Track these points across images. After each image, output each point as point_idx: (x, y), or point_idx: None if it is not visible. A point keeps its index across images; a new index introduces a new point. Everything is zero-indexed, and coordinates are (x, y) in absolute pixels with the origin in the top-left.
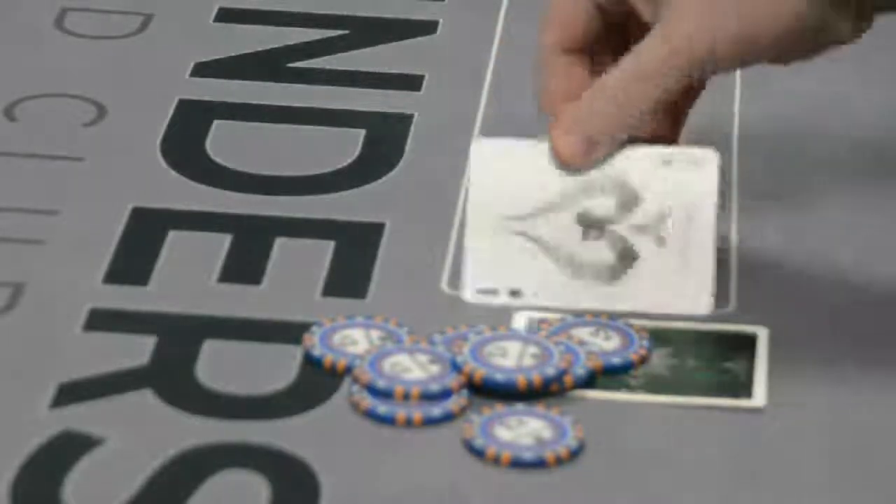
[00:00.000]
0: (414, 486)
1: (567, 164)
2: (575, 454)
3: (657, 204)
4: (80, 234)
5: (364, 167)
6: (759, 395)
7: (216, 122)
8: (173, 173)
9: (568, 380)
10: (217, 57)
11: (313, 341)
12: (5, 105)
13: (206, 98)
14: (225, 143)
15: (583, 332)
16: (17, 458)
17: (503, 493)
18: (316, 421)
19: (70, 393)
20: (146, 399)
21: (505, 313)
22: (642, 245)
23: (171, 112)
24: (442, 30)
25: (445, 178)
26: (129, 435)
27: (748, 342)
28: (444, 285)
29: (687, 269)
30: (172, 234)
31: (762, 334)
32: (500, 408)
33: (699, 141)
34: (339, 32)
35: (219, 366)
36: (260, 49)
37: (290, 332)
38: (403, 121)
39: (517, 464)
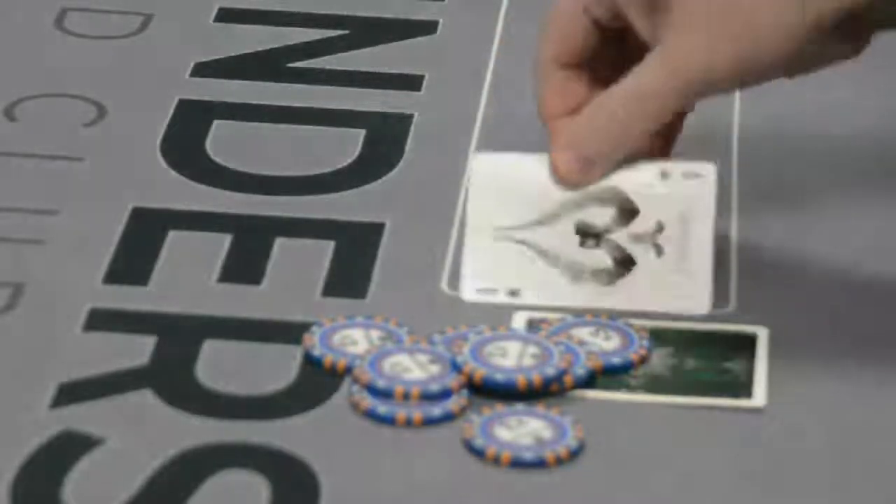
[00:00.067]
0: (414, 486)
1: (565, 182)
2: (575, 454)
3: (655, 215)
4: (80, 234)
5: (364, 167)
6: (759, 395)
7: (216, 122)
8: (173, 173)
9: (568, 380)
10: (217, 57)
11: (313, 341)
12: (5, 105)
13: (206, 98)
14: (225, 143)
15: (583, 332)
16: (17, 458)
17: (503, 493)
18: (316, 421)
19: (70, 393)
20: (146, 399)
21: (505, 313)
22: (640, 253)
23: (171, 112)
24: (442, 30)
25: (445, 178)
26: (129, 435)
27: (748, 342)
28: (444, 285)
29: (685, 272)
30: (172, 234)
31: (762, 334)
32: (500, 408)
33: (700, 142)
34: (339, 32)
35: (219, 366)
36: (260, 49)
37: (290, 332)
38: (403, 121)
39: (517, 464)
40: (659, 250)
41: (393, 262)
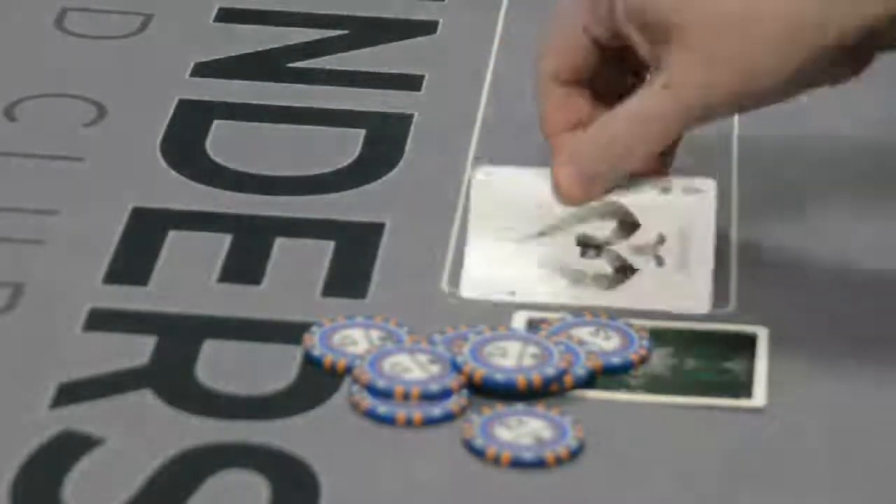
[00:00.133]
0: (414, 486)
1: (566, 198)
2: (575, 454)
3: (656, 228)
4: (80, 234)
5: (364, 167)
6: (759, 395)
7: (216, 122)
8: (173, 173)
9: (568, 380)
10: (217, 57)
11: (313, 341)
12: (5, 105)
13: (206, 98)
14: (225, 143)
15: (583, 332)
16: (17, 458)
17: (503, 493)
18: (316, 421)
19: (70, 393)
20: (146, 399)
21: (505, 313)
22: (640, 263)
23: (171, 112)
24: (442, 30)
25: (445, 178)
26: (129, 435)
27: (748, 342)
28: (444, 285)
29: (686, 275)
30: (172, 234)
31: (762, 334)
32: (500, 408)
33: (700, 142)
34: (339, 32)
35: (219, 366)
36: (260, 49)
37: (290, 332)
38: (403, 121)
39: (517, 464)
40: (659, 261)
41: (393, 262)
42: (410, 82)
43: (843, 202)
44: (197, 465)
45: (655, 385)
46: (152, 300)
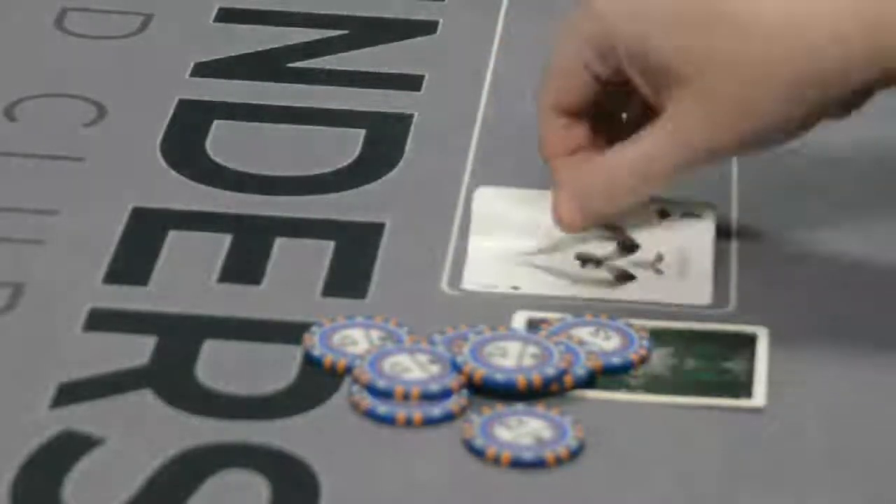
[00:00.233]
0: (414, 486)
1: (565, 227)
2: (575, 454)
3: (654, 249)
4: (80, 234)
5: (364, 167)
6: (759, 395)
7: (216, 122)
8: (173, 173)
9: (568, 380)
10: (217, 57)
11: (313, 341)
12: (5, 105)
13: (206, 98)
14: (225, 143)
15: (583, 332)
16: (17, 458)
17: (503, 493)
18: (316, 421)
19: (70, 393)
20: (146, 399)
21: (505, 313)
22: (640, 273)
23: (171, 112)
24: (442, 30)
25: (445, 178)
26: (129, 435)
27: (748, 342)
28: (444, 285)
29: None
30: (172, 234)
31: (762, 334)
32: (500, 408)
33: None
34: (339, 32)
35: (219, 366)
36: (260, 49)
37: (290, 332)
38: (403, 121)
39: (517, 464)
40: (659, 273)
41: (393, 262)
42: (410, 82)
43: (843, 202)
44: (197, 465)
45: (655, 385)
46: (152, 300)
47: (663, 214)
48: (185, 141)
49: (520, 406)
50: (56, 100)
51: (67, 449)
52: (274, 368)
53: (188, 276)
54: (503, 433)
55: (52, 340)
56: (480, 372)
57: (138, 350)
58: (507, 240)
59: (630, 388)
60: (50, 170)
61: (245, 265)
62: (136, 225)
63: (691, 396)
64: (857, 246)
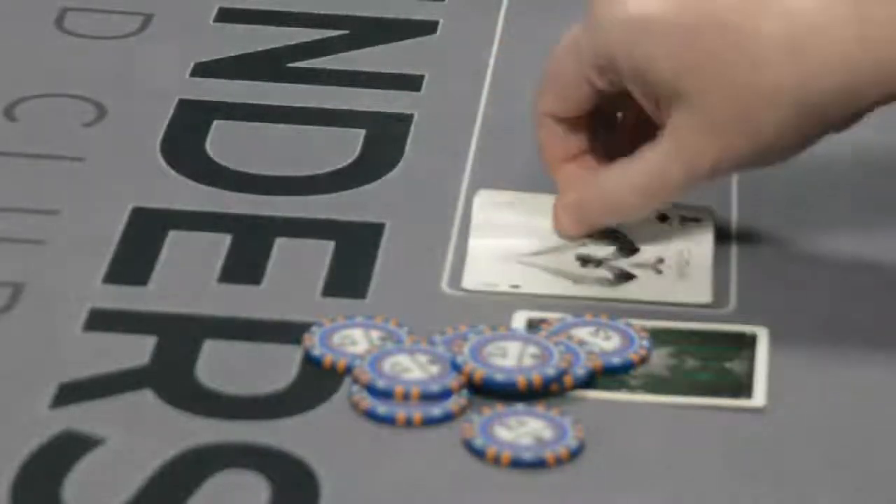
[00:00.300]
0: (414, 486)
1: (564, 234)
2: (575, 454)
3: (655, 252)
4: (80, 234)
5: (364, 167)
6: (759, 395)
7: (216, 122)
8: (173, 173)
9: (568, 380)
10: (217, 57)
11: (313, 341)
12: (5, 105)
13: (206, 98)
14: (225, 143)
15: (583, 332)
16: (17, 458)
17: (503, 493)
18: (316, 421)
19: (70, 393)
20: (146, 399)
21: (505, 313)
22: (640, 273)
23: (171, 112)
24: (442, 30)
25: (445, 178)
26: (129, 435)
27: (748, 342)
28: (444, 285)
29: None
30: (172, 234)
31: (762, 334)
32: (500, 408)
33: None
34: (339, 32)
35: (219, 366)
36: (260, 49)
37: (290, 332)
38: (403, 121)
39: (517, 464)
40: (658, 272)
41: (393, 262)
42: (410, 82)
43: (843, 202)
44: (197, 465)
45: (655, 385)
46: (152, 300)
47: (662, 218)
48: (185, 141)
49: (520, 406)
50: (56, 100)
51: (67, 449)
52: (274, 368)
53: (188, 276)
54: (503, 433)
55: (52, 340)
56: (480, 372)
57: (138, 350)
58: (508, 241)
59: (630, 388)
60: (50, 170)
61: (245, 265)
62: (136, 225)
63: (691, 396)
64: (856, 246)
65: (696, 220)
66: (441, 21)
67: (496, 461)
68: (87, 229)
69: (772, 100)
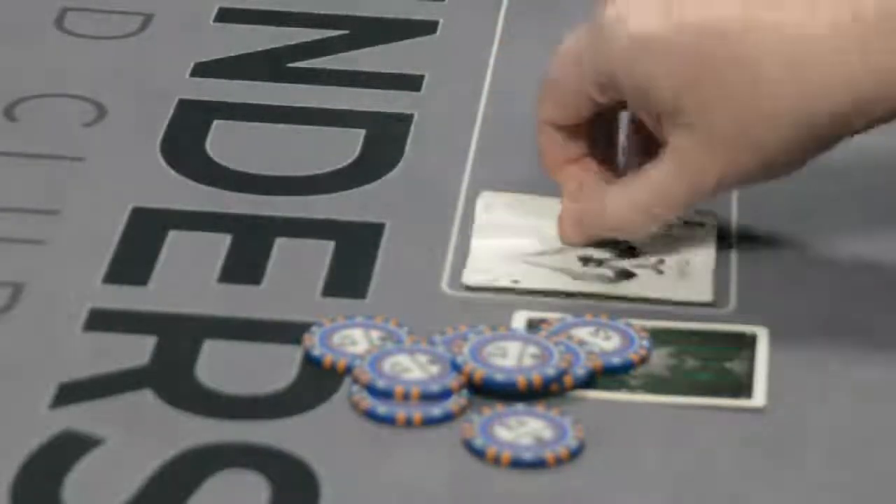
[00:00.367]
0: (414, 486)
1: (567, 242)
2: (575, 454)
3: (656, 254)
4: (80, 234)
5: (364, 167)
6: (759, 395)
7: (216, 122)
8: (173, 173)
9: (568, 380)
10: (217, 57)
11: (313, 341)
12: (5, 105)
13: (206, 98)
14: (225, 143)
15: (583, 332)
16: (17, 458)
17: (503, 493)
18: (316, 421)
19: (70, 393)
20: (146, 399)
21: (505, 313)
22: (640, 272)
23: (171, 112)
24: (442, 30)
25: (445, 178)
26: (129, 435)
27: (748, 342)
28: (444, 285)
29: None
30: (172, 234)
31: (762, 334)
32: (500, 408)
33: None
34: (339, 32)
35: (219, 366)
36: (260, 49)
37: (290, 332)
38: (403, 121)
39: (517, 464)
40: (659, 272)
41: (393, 262)
42: (410, 82)
43: (843, 202)
44: (197, 465)
45: (655, 385)
46: (152, 300)
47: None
48: (185, 141)
49: (520, 406)
50: (56, 100)
51: (67, 449)
52: (274, 368)
53: (188, 276)
54: (503, 433)
55: (52, 340)
56: (480, 372)
57: (138, 350)
58: (510, 240)
59: (630, 388)
60: (50, 170)
61: (245, 265)
62: (136, 225)
63: (691, 396)
64: (856, 246)
65: (700, 225)
66: (441, 21)
67: (496, 461)
68: (87, 229)
69: (773, 119)
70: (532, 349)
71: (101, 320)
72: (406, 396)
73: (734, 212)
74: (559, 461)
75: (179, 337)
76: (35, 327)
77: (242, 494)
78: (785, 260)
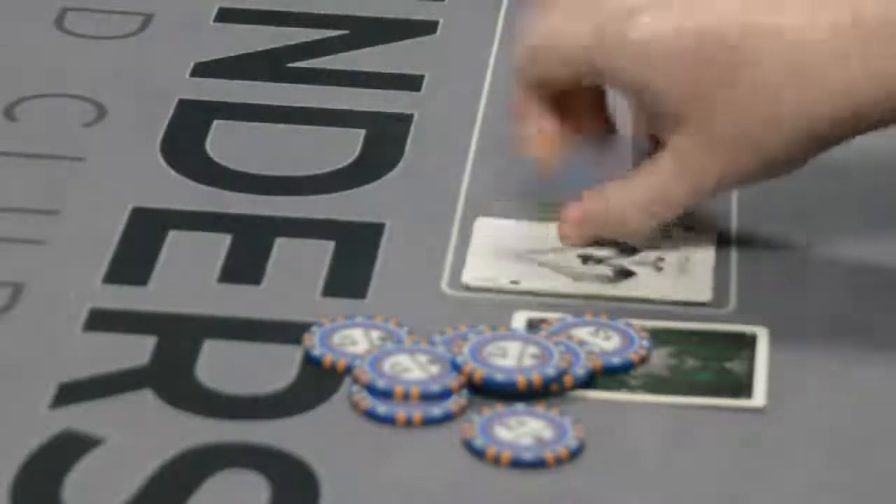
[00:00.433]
0: (414, 486)
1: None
2: (575, 454)
3: (656, 252)
4: (80, 234)
5: (364, 167)
6: (759, 395)
7: (216, 122)
8: (173, 173)
9: (568, 380)
10: (217, 57)
11: (313, 341)
12: (5, 105)
13: (206, 98)
14: (225, 143)
15: (583, 332)
16: (17, 458)
17: (503, 493)
18: (316, 421)
19: (70, 393)
20: (146, 399)
21: (505, 313)
22: (640, 270)
23: (171, 112)
24: (442, 30)
25: (445, 178)
26: (129, 435)
27: (748, 342)
28: (444, 285)
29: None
30: (172, 234)
31: (762, 334)
32: (500, 408)
33: None
34: (339, 32)
35: (219, 366)
36: (260, 49)
37: (290, 332)
38: (403, 121)
39: (517, 464)
40: (659, 269)
41: (393, 262)
42: (410, 82)
43: (844, 202)
44: (197, 465)
45: (655, 385)
46: (152, 300)
47: (664, 231)
48: (185, 141)
49: (520, 406)
50: (56, 100)
51: (67, 449)
52: (274, 368)
53: (188, 276)
54: (503, 433)
55: (52, 340)
56: (480, 372)
57: (138, 350)
58: (510, 240)
59: (630, 388)
60: (50, 170)
61: (245, 265)
62: (136, 225)
63: (691, 396)
64: (857, 246)
65: (698, 231)
66: (441, 21)
67: (496, 461)
68: (87, 229)
69: (773, 123)
70: (532, 349)
71: (101, 320)
72: (406, 396)
73: (734, 212)
74: (559, 461)
75: (179, 337)
76: (35, 327)
77: (242, 494)
78: (785, 260)
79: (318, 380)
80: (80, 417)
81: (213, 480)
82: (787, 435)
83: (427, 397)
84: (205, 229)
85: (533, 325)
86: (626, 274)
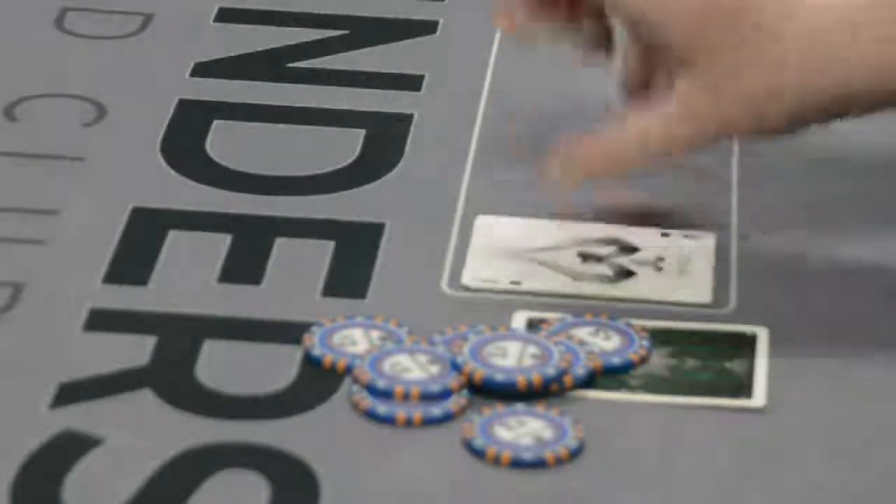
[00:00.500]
0: (414, 486)
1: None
2: (575, 454)
3: (656, 252)
4: (80, 234)
5: (364, 167)
6: (759, 395)
7: (216, 122)
8: (173, 173)
9: (568, 380)
10: (217, 57)
11: (313, 341)
12: (5, 105)
13: (206, 98)
14: (225, 143)
15: (583, 332)
16: (17, 458)
17: (503, 493)
18: (316, 421)
19: (70, 393)
20: (146, 399)
21: (505, 313)
22: (640, 270)
23: (171, 112)
24: (442, 30)
25: (445, 178)
26: (129, 435)
27: (748, 342)
28: (444, 285)
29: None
30: (172, 234)
31: (762, 334)
32: (500, 408)
33: None
34: (339, 32)
35: (219, 366)
36: (260, 49)
37: (290, 332)
38: (403, 121)
39: (517, 464)
40: (658, 269)
41: (393, 262)
42: (410, 82)
43: (844, 202)
44: (197, 465)
45: (655, 385)
46: (152, 300)
47: (664, 235)
48: (185, 141)
49: (520, 406)
50: (56, 100)
51: (67, 449)
52: (274, 368)
53: (188, 276)
54: (503, 433)
55: (52, 340)
56: (480, 372)
57: (138, 350)
58: (510, 240)
59: (630, 388)
60: (50, 170)
61: (245, 265)
62: (136, 225)
63: (691, 396)
64: (856, 246)
65: (697, 237)
66: (441, 21)
67: (496, 461)
68: (87, 229)
69: (776, 93)
70: (532, 349)
71: (101, 320)
72: (406, 396)
73: (734, 211)
74: (559, 461)
75: (179, 337)
76: (35, 327)
77: (242, 494)
78: (785, 260)
79: (318, 380)
80: (80, 417)
81: (213, 480)
82: (787, 435)
83: (427, 397)
84: (205, 229)
85: (533, 325)
86: (626, 274)
